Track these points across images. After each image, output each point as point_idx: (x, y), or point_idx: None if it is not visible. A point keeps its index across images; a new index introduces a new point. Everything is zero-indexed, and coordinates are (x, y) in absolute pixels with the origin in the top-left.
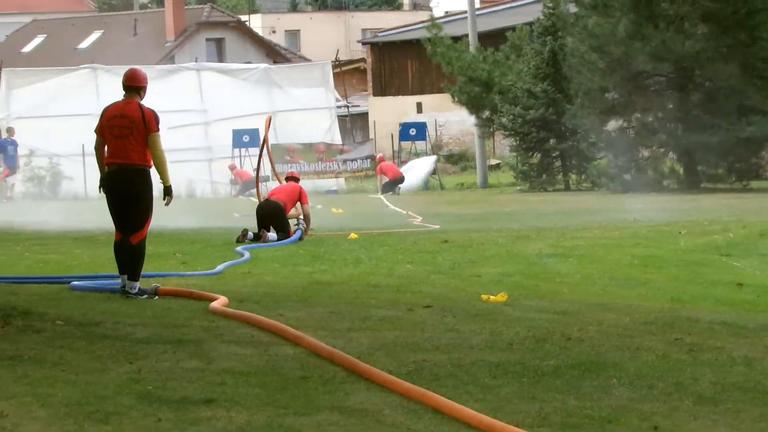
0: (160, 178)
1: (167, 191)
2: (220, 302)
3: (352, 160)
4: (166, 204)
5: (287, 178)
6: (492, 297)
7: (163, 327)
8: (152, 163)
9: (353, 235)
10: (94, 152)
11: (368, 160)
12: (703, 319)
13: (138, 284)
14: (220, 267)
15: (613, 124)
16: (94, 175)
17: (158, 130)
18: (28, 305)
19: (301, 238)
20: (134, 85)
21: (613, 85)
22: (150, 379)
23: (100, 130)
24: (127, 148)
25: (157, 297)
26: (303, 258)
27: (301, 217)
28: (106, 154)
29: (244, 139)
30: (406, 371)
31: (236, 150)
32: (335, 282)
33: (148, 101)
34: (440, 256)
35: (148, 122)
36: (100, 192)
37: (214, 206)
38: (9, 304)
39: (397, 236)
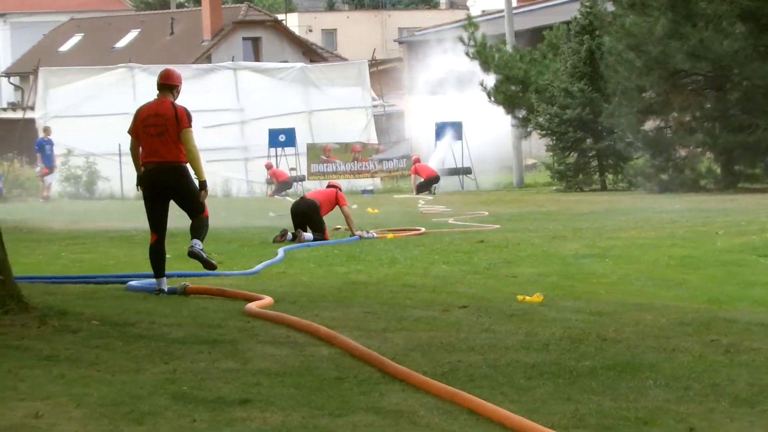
0: (195, 173)
1: (202, 186)
2: (264, 302)
3: (387, 160)
4: (201, 199)
5: (328, 186)
6: (528, 297)
7: (198, 327)
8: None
9: (390, 236)
10: (130, 153)
11: (404, 160)
12: (740, 319)
13: (201, 244)
14: (258, 266)
15: (650, 124)
16: (131, 174)
17: (190, 126)
18: (65, 305)
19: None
20: (168, 83)
21: (650, 85)
22: (185, 379)
23: (134, 131)
24: (163, 146)
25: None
26: (338, 258)
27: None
28: (141, 154)
29: (280, 138)
30: (441, 372)
31: (272, 149)
32: (371, 282)
33: (185, 100)
34: (476, 257)
35: (180, 119)
36: (138, 190)
37: (251, 205)
38: (45, 304)
39: (433, 236)
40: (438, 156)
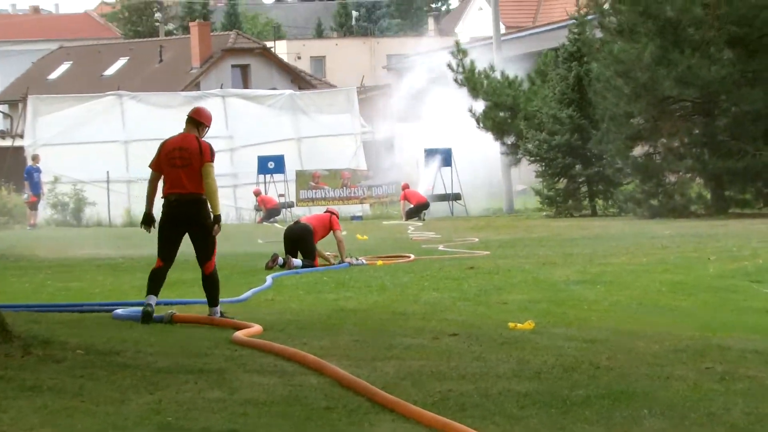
0: (211, 207)
1: (216, 220)
2: (252, 331)
3: (377, 186)
4: (214, 233)
5: (325, 212)
6: (519, 324)
7: (185, 356)
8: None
9: (379, 262)
10: (147, 186)
11: (393, 186)
12: (735, 347)
13: (219, 308)
14: (247, 294)
15: (639, 150)
16: (118, 201)
17: (212, 161)
18: (49, 334)
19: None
20: (197, 119)
21: (638, 111)
22: (171, 409)
23: (156, 165)
24: (187, 177)
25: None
26: (328, 285)
27: (361, 258)
28: (164, 187)
29: (269, 165)
30: (432, 401)
31: (261, 176)
32: (360, 309)
33: (173, 127)
34: (466, 283)
35: (204, 153)
36: (141, 227)
37: (239, 232)
38: (30, 333)
39: (423, 263)
40: (427, 182)
